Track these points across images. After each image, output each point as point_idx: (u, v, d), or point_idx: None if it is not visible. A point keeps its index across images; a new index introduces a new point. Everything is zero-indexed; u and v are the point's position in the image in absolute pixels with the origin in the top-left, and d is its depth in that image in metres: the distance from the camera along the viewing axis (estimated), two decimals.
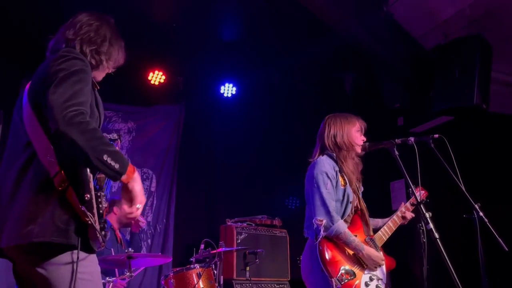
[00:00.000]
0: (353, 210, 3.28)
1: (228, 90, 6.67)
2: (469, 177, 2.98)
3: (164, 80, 6.17)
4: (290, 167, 5.22)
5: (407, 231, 3.53)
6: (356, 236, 3.12)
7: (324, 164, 3.23)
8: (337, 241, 3.07)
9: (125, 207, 1.95)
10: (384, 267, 3.24)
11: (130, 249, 4.28)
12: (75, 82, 1.87)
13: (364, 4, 4.63)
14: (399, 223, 3.41)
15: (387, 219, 3.43)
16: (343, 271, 2.98)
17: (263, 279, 5.42)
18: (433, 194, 3.55)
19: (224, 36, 5.69)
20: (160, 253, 5.70)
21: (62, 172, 1.82)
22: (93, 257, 1.95)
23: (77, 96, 1.82)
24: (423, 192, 3.48)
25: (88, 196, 1.80)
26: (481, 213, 2.75)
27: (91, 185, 1.82)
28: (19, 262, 1.93)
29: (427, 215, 2.66)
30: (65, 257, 1.83)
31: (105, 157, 1.76)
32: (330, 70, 6.30)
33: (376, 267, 3.14)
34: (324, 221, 3.07)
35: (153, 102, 6.30)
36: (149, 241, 5.84)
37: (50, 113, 1.76)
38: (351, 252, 3.11)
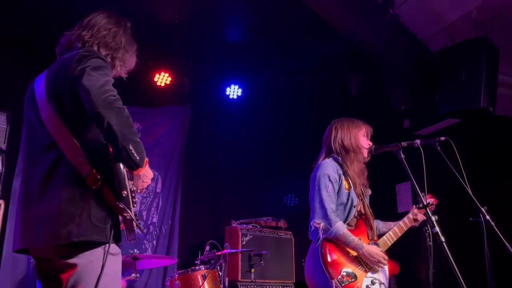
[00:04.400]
0: (356, 214, 3.27)
1: (233, 91, 6.67)
2: (476, 180, 2.96)
3: (170, 81, 6.18)
4: (296, 168, 5.22)
5: (413, 234, 3.52)
6: (360, 239, 3.11)
7: (328, 167, 3.23)
8: (337, 242, 3.07)
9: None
10: (387, 271, 3.23)
11: (135, 250, 4.30)
12: (104, 74, 1.93)
13: (370, 6, 4.62)
14: (409, 226, 3.40)
15: (397, 222, 3.42)
16: (344, 273, 2.97)
17: (268, 281, 5.41)
18: (439, 197, 3.54)
19: (230, 38, 5.70)
20: (165, 255, 5.71)
21: (94, 171, 1.86)
22: (120, 256, 2.00)
23: (110, 84, 1.91)
24: (433, 199, 3.47)
25: (125, 192, 1.87)
26: (487, 216, 2.74)
27: (127, 182, 1.89)
28: (52, 258, 1.94)
29: (433, 218, 2.64)
30: (99, 251, 1.88)
31: (130, 146, 1.85)
32: (336, 72, 6.29)
33: (378, 265, 3.11)
34: (322, 224, 3.08)
35: (159, 103, 6.31)
36: (154, 242, 5.84)
37: (86, 96, 1.82)
38: (353, 255, 3.10)
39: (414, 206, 3.49)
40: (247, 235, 5.45)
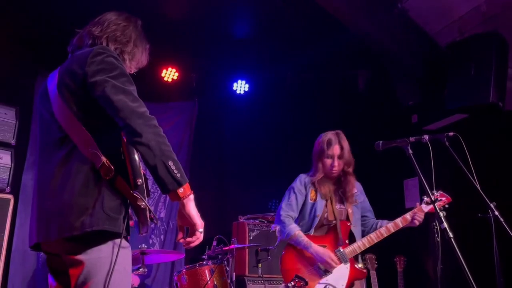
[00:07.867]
0: (325, 222, 3.51)
1: (240, 87, 6.67)
2: (484, 175, 2.94)
3: (177, 77, 6.19)
4: (302, 164, 5.21)
5: (421, 230, 3.51)
6: (325, 246, 3.37)
7: (296, 180, 3.68)
8: (290, 242, 3.44)
9: (182, 237, 2.08)
10: (347, 276, 3.35)
11: (143, 244, 4.32)
12: (127, 82, 1.94)
13: (378, 0, 4.59)
14: (401, 226, 3.46)
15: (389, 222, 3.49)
16: (296, 279, 3.18)
17: (275, 276, 5.42)
18: (448, 193, 3.52)
19: (237, 33, 5.69)
20: (172, 249, 5.73)
21: (108, 161, 1.86)
22: (129, 250, 1.98)
23: (136, 95, 1.92)
24: (445, 198, 3.47)
25: (140, 181, 1.86)
26: (496, 212, 2.72)
27: (142, 170, 1.88)
28: (60, 253, 1.94)
29: (441, 214, 2.63)
30: (109, 244, 1.87)
31: (170, 163, 1.82)
32: (343, 67, 6.26)
33: (326, 265, 3.31)
34: (278, 227, 3.50)
35: (166, 98, 6.32)
36: (162, 237, 5.87)
37: (120, 113, 1.84)
38: (312, 262, 3.36)
39: (417, 205, 3.51)
40: (254, 230, 5.46)
